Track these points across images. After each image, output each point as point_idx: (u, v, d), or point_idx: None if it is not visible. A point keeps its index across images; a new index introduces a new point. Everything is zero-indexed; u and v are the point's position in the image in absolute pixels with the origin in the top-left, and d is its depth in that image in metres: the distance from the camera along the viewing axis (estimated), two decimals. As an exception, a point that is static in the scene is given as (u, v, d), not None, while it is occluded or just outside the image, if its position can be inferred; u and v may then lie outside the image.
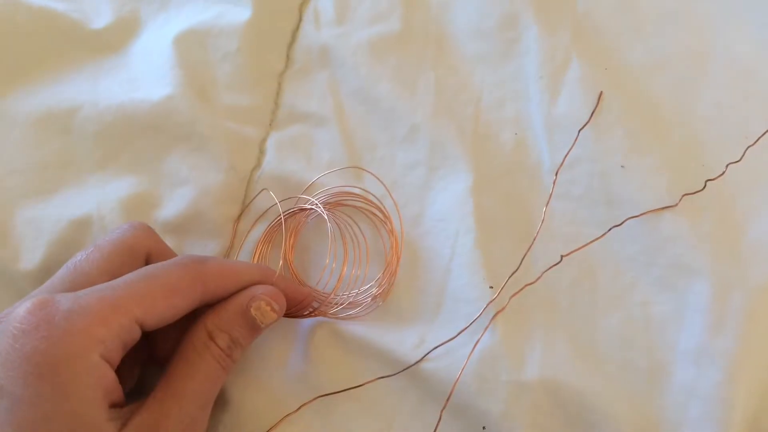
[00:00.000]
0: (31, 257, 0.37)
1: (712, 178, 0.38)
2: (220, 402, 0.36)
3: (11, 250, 0.37)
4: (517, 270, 0.38)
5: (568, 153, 0.39)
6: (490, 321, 0.36)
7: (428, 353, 0.36)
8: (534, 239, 0.39)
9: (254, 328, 0.33)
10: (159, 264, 0.31)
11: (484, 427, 0.35)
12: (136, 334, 0.29)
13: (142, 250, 0.33)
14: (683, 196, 0.38)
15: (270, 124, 0.43)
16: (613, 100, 0.41)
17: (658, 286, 0.37)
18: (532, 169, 0.41)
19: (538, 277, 0.38)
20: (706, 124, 0.41)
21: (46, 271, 0.37)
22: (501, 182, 0.41)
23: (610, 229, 0.38)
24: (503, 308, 0.37)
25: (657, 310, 0.37)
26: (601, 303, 0.38)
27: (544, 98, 0.42)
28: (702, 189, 0.38)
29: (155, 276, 0.30)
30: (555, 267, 0.38)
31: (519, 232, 0.39)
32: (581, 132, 0.40)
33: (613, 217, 0.39)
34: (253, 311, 0.32)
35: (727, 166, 0.39)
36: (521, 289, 0.37)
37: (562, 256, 0.38)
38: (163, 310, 0.29)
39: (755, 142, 0.39)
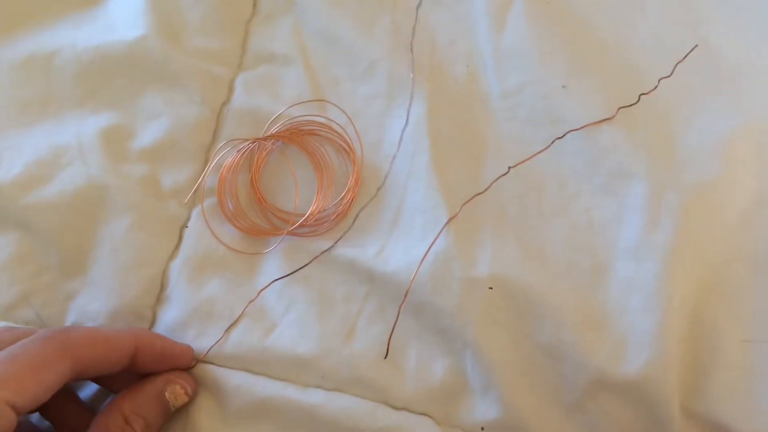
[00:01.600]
0: (6, 173, 0.40)
1: (645, 92, 0.41)
2: (203, 313, 0.39)
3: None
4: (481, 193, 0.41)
5: None
6: (443, 226, 0.39)
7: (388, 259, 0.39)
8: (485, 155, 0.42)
9: (166, 410, 0.34)
10: (20, 342, 0.29)
11: (482, 428, 0.37)
12: (12, 419, 0.27)
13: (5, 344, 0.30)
14: (619, 108, 0.41)
15: (239, 66, 0.46)
16: (555, 29, 0.44)
17: (600, 193, 0.40)
18: (483, 96, 0.44)
19: (487, 188, 0.40)
20: (642, 48, 0.44)
21: (20, 186, 0.39)
22: (454, 108, 0.44)
23: (553, 142, 0.41)
24: (455, 215, 0.40)
25: (599, 214, 0.40)
26: (547, 210, 0.41)
27: (491, 33, 0.45)
28: (636, 102, 0.41)
29: (17, 354, 0.28)
30: (504, 179, 0.41)
31: (471, 151, 0.42)
32: (524, 57, 0.43)
33: (557, 134, 0.42)
34: (167, 395, 0.34)
35: (659, 80, 0.42)
36: (471, 198, 0.40)
37: (509, 168, 0.41)
38: (33, 388, 0.28)
39: (684, 59, 0.42)
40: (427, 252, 0.38)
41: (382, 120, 0.44)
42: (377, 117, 0.44)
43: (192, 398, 0.36)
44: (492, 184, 0.41)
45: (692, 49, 0.42)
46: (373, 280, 0.39)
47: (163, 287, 0.40)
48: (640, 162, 0.40)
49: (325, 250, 0.39)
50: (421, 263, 0.38)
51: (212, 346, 0.37)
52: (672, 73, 0.42)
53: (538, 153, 0.41)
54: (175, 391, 0.35)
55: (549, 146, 0.41)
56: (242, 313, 0.38)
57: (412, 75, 0.44)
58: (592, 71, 0.43)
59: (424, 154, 0.42)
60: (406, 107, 0.43)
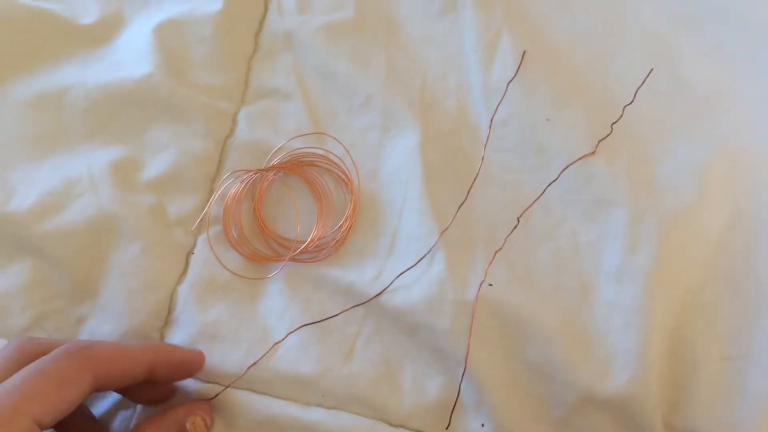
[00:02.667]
0: (21, 203, 0.42)
1: (614, 121, 0.45)
2: (209, 335, 0.41)
3: (3, 195, 0.42)
4: (463, 203, 0.44)
5: (500, 101, 0.45)
6: (430, 249, 0.42)
7: (391, 283, 0.41)
8: (475, 178, 0.44)
9: None
10: (46, 357, 0.30)
11: (483, 425, 0.39)
12: None
13: (29, 356, 0.32)
14: (599, 142, 0.44)
15: (241, 101, 0.48)
16: (538, 64, 0.47)
17: (584, 219, 0.43)
18: (473, 129, 0.46)
19: (461, 204, 0.43)
20: (619, 83, 0.47)
21: (34, 215, 0.41)
22: (445, 140, 0.46)
23: (547, 186, 0.44)
24: (445, 230, 0.42)
25: (583, 239, 0.42)
26: (534, 236, 0.43)
27: (480, 69, 0.48)
28: (611, 133, 0.44)
29: (45, 371, 0.30)
30: (494, 207, 0.44)
31: (461, 180, 0.45)
32: (511, 92, 0.46)
33: (542, 164, 0.44)
34: (188, 425, 0.36)
35: (624, 107, 0.45)
36: (453, 220, 0.43)
37: (518, 219, 0.43)
38: (57, 405, 0.29)
39: (642, 84, 0.46)
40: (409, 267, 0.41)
41: (378, 151, 0.46)
42: (373, 148, 0.46)
43: (210, 429, 0.37)
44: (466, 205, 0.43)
45: (648, 73, 0.45)
46: (371, 304, 0.41)
47: (170, 311, 0.41)
48: (620, 190, 0.43)
49: (373, 297, 0.41)
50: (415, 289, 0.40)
51: (235, 381, 0.39)
52: (634, 99, 0.45)
53: (535, 201, 0.43)
54: (196, 422, 0.36)
55: (543, 192, 0.44)
56: (269, 350, 0.40)
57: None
58: (573, 104, 0.46)
59: (418, 183, 0.44)
60: (400, 138, 0.46)
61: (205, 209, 0.44)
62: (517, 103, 0.46)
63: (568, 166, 0.44)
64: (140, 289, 0.41)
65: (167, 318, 0.41)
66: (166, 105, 0.46)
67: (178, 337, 0.41)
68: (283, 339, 0.40)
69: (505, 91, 0.46)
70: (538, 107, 0.46)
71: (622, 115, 0.45)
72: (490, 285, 0.41)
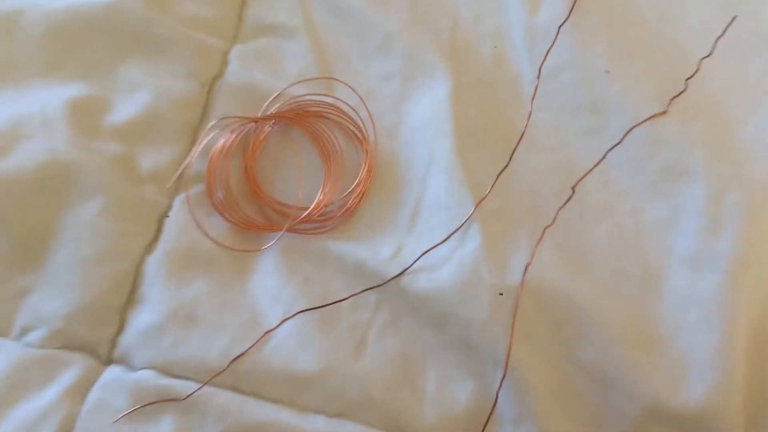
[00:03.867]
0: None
1: (689, 76, 0.39)
2: (184, 317, 0.34)
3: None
4: (504, 169, 0.37)
5: (549, 48, 0.39)
6: (464, 221, 0.35)
7: (414, 262, 0.34)
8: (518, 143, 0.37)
9: None
10: None
11: None
12: None
13: None
14: (672, 99, 0.38)
15: (234, 37, 0.42)
16: (596, 6, 0.42)
17: (650, 193, 0.37)
18: (513, 80, 0.41)
19: (502, 169, 0.37)
20: (688, 29, 0.41)
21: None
22: (480, 92, 0.40)
23: (610, 149, 0.37)
24: (482, 200, 0.36)
25: (648, 217, 0.37)
26: (590, 211, 0.37)
27: (523, 10, 0.42)
28: (685, 90, 0.38)
29: None
30: (539, 175, 0.37)
31: (501, 140, 0.39)
32: (562, 37, 0.40)
33: (599, 124, 0.39)
34: None
35: (701, 60, 0.39)
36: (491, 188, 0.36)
37: (573, 189, 0.37)
38: None
39: (723, 33, 0.40)
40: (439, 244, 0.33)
41: (399, 103, 0.40)
42: (393, 99, 0.40)
43: None
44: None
45: (731, 21, 0.40)
46: (387, 287, 0.34)
47: (135, 286, 0.35)
48: (698, 158, 0.37)
49: (391, 279, 0.34)
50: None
51: (214, 377, 0.32)
52: (713, 51, 0.39)
53: (594, 167, 0.37)
54: None
55: (603, 158, 0.37)
56: (259, 339, 0.33)
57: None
58: (638, 54, 0.40)
59: (447, 142, 0.38)
60: (427, 87, 0.40)
61: (185, 163, 0.37)
62: (569, 52, 0.40)
63: (633, 128, 0.38)
64: (98, 258, 0.34)
65: (131, 295, 0.35)
66: (140, 36, 0.40)
67: (145, 318, 0.34)
68: (277, 326, 0.34)
69: (556, 36, 0.40)
70: (596, 57, 0.40)
71: (698, 70, 0.39)
72: (501, 294, 0.34)
